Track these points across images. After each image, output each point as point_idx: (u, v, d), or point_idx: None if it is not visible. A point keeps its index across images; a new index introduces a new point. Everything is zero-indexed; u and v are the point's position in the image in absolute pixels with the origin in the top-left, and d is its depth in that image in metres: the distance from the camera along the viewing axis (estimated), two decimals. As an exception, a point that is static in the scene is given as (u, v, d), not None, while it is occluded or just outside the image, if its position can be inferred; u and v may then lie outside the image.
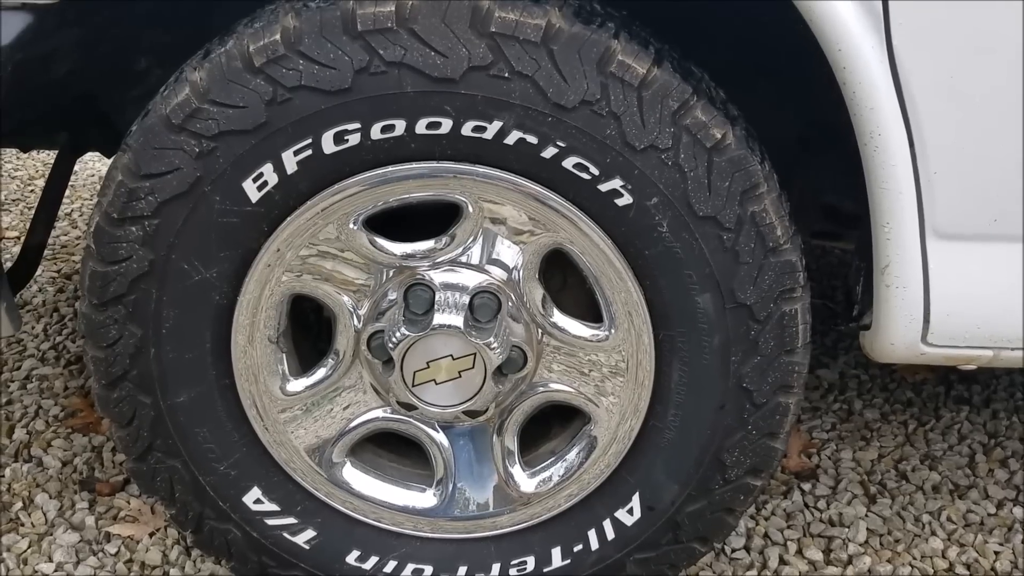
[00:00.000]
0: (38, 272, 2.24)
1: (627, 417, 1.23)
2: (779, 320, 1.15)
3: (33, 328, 2.08)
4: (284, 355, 1.26)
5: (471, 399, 1.23)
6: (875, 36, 1.00)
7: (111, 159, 1.94)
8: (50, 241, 2.35)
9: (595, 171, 1.08)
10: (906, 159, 1.03)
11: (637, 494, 1.26)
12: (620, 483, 1.27)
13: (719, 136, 1.08)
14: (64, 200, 2.37)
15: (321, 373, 1.27)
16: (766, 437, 1.22)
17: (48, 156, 2.92)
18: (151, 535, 1.52)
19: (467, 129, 1.08)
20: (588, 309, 1.24)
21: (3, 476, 1.63)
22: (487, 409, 1.26)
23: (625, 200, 1.09)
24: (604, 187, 1.09)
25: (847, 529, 1.58)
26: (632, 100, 1.05)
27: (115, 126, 1.56)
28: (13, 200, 2.73)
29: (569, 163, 1.09)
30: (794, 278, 1.14)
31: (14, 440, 1.73)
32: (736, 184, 1.09)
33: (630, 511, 1.27)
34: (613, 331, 1.20)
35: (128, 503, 1.58)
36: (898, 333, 1.13)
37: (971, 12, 1.02)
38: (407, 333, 1.19)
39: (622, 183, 1.08)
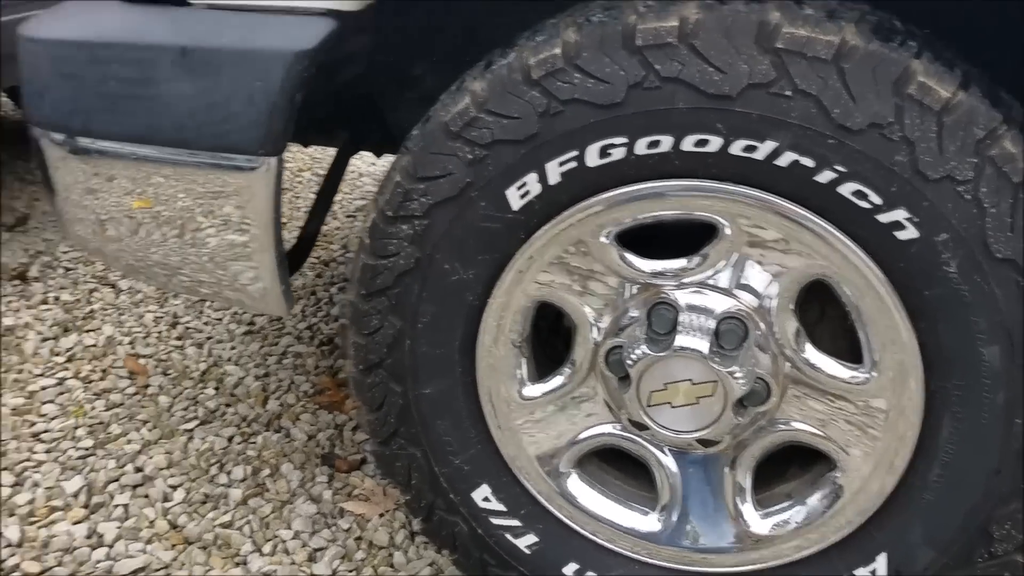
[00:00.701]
0: (298, 259, 2.47)
1: (881, 470, 1.14)
2: (1081, 382, 1.01)
3: (292, 309, 2.27)
4: (524, 360, 1.28)
5: (707, 428, 1.19)
6: None
7: (378, 157, 2.09)
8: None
9: (876, 200, 1.01)
10: None
11: (884, 555, 1.16)
12: (865, 539, 1.17)
13: (1030, 171, 0.97)
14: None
15: (557, 381, 1.28)
16: (1049, 512, 1.07)
17: (316, 151, 3.20)
18: (380, 516, 1.61)
19: (736, 148, 1.04)
20: (845, 347, 1.16)
21: (256, 443, 1.79)
22: (722, 440, 1.21)
23: (908, 234, 1.01)
24: (884, 218, 1.01)
25: None
26: (931, 125, 0.96)
27: (388, 127, 1.67)
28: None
29: (847, 189, 1.02)
30: (1106, 336, 1.00)
31: (268, 410, 1.89)
32: (1045, 225, 0.97)
33: (873, 572, 1.17)
34: (874, 375, 1.11)
35: (362, 482, 1.69)
36: None
37: None
38: (647, 352, 1.17)
39: (907, 215, 1.00)
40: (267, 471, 1.72)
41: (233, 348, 2.10)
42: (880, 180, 1.00)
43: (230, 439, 1.80)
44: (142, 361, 2.02)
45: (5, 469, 1.65)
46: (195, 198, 1.26)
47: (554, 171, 1.12)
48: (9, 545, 1.49)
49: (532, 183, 1.13)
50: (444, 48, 1.40)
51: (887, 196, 1.00)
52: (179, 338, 2.13)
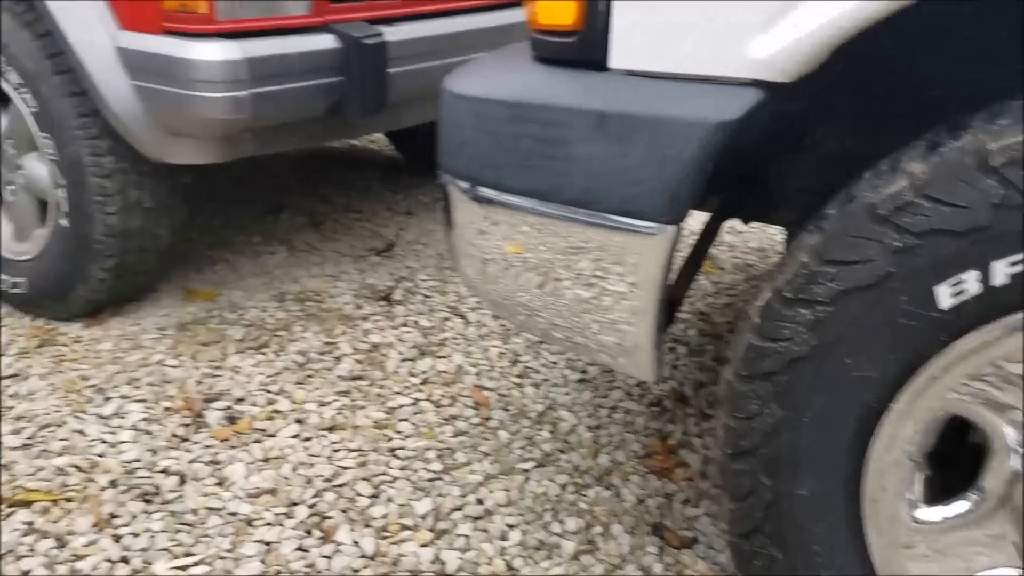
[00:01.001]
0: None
1: None
2: None
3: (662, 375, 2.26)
4: (921, 477, 1.13)
5: None
6: None
7: (745, 224, 2.01)
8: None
9: None
10: None
11: None
12: None
13: None
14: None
15: (960, 508, 1.11)
16: None
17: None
18: (713, 604, 1.52)
19: None
20: None
21: (588, 496, 1.79)
22: None
23: None
24: None
25: None
26: None
27: (763, 195, 1.60)
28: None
29: None
30: None
31: (598, 463, 1.88)
32: None
33: None
34: None
35: (694, 563, 1.60)
36: None
37: None
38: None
39: None
40: (598, 528, 1.70)
41: (567, 394, 2.13)
42: None
43: (563, 487, 1.81)
44: (486, 393, 2.12)
45: (364, 479, 1.81)
46: (581, 253, 1.28)
47: (1002, 271, 0.97)
48: (363, 556, 1.61)
49: (971, 282, 0.99)
50: (858, 117, 1.30)
51: None
52: (519, 376, 2.21)
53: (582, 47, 1.27)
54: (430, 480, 1.81)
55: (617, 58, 1.23)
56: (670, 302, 1.62)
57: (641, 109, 1.17)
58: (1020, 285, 0.96)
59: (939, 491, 1.15)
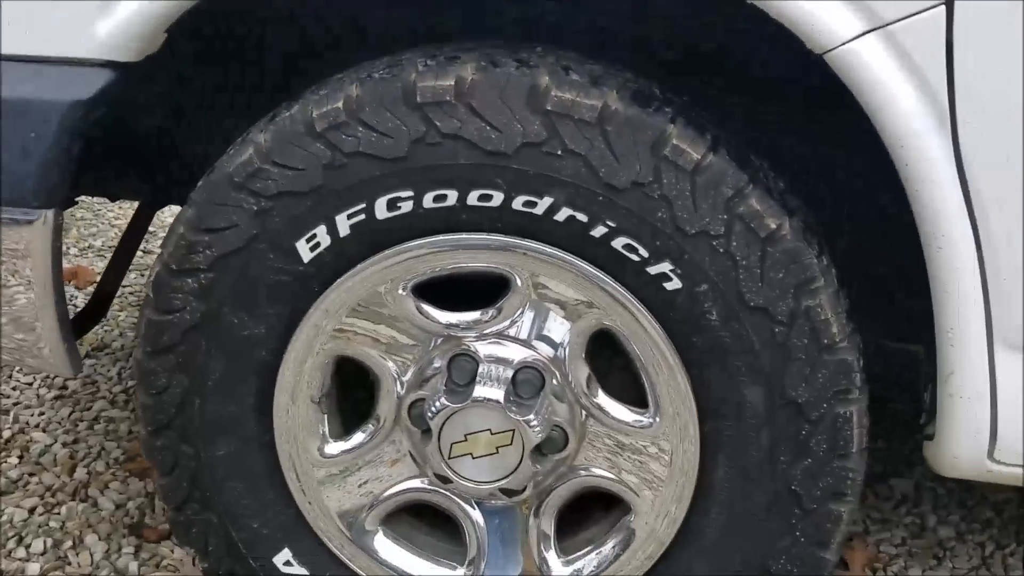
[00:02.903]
0: (121, 317, 2.35)
1: (668, 511, 1.18)
2: (832, 422, 1.08)
3: (108, 371, 2.15)
4: (325, 416, 1.26)
5: (507, 477, 1.20)
6: (941, 135, 0.96)
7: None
8: (137, 288, 2.47)
9: (644, 253, 1.06)
10: (973, 262, 0.96)
11: (672, 596, 1.19)
12: (655, 582, 1.20)
13: (774, 227, 1.04)
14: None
15: (360, 438, 1.26)
16: (815, 546, 1.14)
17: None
18: (188, 586, 1.53)
19: (518, 203, 1.08)
20: (636, 394, 1.20)
21: (60, 514, 1.68)
22: (524, 489, 1.22)
23: (674, 284, 1.07)
24: (653, 270, 1.07)
25: (912, 657, 1.45)
26: (685, 185, 1.03)
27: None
28: (110, 247, 2.88)
29: (618, 243, 1.07)
30: (850, 379, 1.08)
31: (75, 479, 1.78)
32: (790, 276, 1.05)
33: (665, 613, 1.20)
34: (658, 419, 1.16)
35: (172, 552, 1.60)
36: (962, 446, 1.05)
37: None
38: (446, 403, 1.18)
39: (671, 267, 1.06)
40: (69, 543, 1.60)
41: (42, 414, 1.97)
42: (646, 235, 1.05)
43: (31, 510, 1.67)
44: (-67, 429, 1.87)
45: None
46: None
47: (344, 223, 1.12)
48: None
49: (322, 235, 1.13)
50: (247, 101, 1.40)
51: (653, 250, 1.06)
52: (-19, 404, 1.98)
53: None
54: None
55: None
56: (101, 294, 1.59)
57: (6, 93, 1.12)
58: (360, 234, 1.12)
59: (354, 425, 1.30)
